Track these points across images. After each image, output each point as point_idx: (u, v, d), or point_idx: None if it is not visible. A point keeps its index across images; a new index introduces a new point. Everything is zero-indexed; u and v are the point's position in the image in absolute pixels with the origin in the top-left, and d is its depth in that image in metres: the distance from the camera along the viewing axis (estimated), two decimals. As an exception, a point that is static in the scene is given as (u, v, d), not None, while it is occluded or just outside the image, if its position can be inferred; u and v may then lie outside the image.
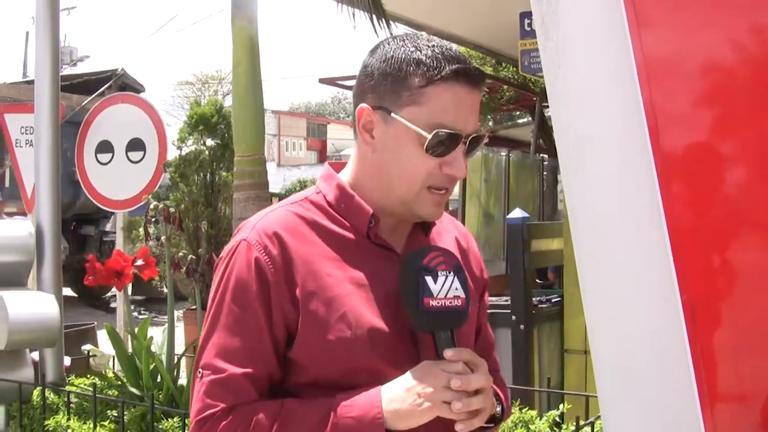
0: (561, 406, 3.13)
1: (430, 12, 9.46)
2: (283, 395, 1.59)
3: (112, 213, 9.06)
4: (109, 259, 4.03)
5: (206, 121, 7.91)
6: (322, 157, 55.29)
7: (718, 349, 1.78)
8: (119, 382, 3.83)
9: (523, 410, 3.10)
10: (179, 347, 4.10)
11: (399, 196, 1.63)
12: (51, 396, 3.71)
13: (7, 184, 11.18)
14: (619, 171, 1.77)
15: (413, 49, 1.61)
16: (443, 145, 1.58)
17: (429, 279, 1.55)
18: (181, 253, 3.97)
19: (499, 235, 8.45)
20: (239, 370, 1.56)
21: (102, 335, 5.32)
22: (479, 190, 10.64)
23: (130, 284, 4.39)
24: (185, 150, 7.99)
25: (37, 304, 3.87)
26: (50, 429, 3.48)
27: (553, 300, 5.23)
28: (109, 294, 13.19)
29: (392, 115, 1.58)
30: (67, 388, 3.77)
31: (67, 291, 11.86)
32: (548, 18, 1.96)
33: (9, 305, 3.71)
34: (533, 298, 5.05)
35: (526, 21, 8.84)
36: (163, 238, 3.88)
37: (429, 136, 1.56)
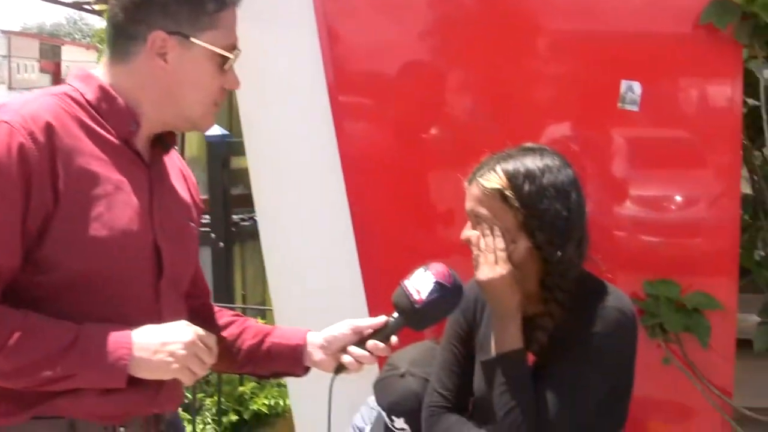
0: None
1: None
2: (21, 294, 1.51)
3: None
4: None
5: None
6: (57, 80, 52.49)
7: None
8: None
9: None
10: None
11: (189, 114, 1.69)
12: None
13: None
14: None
15: None
16: (234, 62, 1.69)
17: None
18: None
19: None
20: None
21: None
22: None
23: None
24: None
25: None
26: None
27: (255, 217, 5.24)
28: None
29: (192, 39, 1.62)
30: None
31: None
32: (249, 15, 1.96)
33: None
34: (233, 216, 5.05)
35: None
36: None
37: (231, 56, 1.66)
